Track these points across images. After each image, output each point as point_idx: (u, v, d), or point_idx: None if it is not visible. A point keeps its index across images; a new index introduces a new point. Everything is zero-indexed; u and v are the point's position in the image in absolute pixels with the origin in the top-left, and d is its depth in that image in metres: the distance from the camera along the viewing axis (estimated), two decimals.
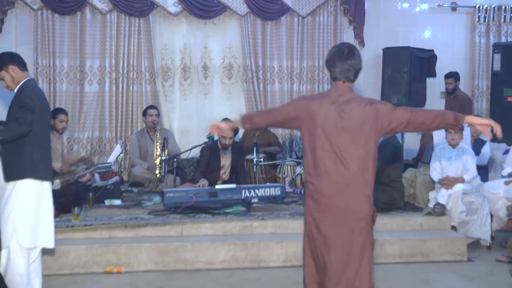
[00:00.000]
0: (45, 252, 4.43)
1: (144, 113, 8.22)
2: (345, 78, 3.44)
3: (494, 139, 4.81)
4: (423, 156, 7.73)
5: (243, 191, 6.37)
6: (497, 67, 8.78)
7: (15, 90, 4.27)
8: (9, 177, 4.15)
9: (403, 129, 3.47)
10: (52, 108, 7.90)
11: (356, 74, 3.46)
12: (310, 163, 3.43)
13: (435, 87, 9.49)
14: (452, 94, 8.82)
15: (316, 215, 3.43)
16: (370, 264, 3.45)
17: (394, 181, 6.52)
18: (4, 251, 4.18)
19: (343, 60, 3.42)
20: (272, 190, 6.43)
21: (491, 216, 6.51)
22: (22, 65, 4.31)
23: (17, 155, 4.12)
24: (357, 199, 3.38)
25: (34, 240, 4.21)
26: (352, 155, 3.35)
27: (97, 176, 6.87)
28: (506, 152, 7.31)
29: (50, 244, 4.33)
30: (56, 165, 6.86)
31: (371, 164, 3.39)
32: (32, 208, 4.17)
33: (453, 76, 8.78)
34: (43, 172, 4.25)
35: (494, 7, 9.60)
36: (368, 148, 3.37)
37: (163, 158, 7.21)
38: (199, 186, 6.75)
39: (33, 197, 4.18)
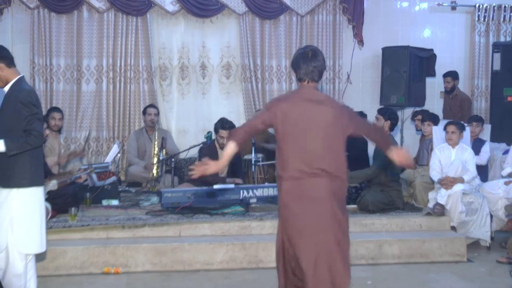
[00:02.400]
0: (38, 254, 4.39)
1: (144, 112, 8.21)
2: (310, 78, 3.73)
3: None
4: (419, 158, 7.71)
5: (241, 191, 6.37)
6: (496, 66, 8.79)
7: (6, 89, 4.16)
8: (5, 184, 4.09)
9: (357, 135, 3.85)
10: (48, 107, 7.96)
11: (320, 75, 3.76)
12: (283, 158, 3.67)
13: (434, 86, 9.48)
14: (451, 93, 8.81)
15: None
16: None
17: (391, 181, 6.52)
18: (2, 255, 4.14)
19: (308, 62, 3.72)
20: (270, 190, 6.42)
21: (491, 216, 6.50)
22: (10, 61, 4.16)
23: (14, 162, 4.05)
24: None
25: (31, 245, 4.18)
26: (324, 149, 3.64)
27: (94, 176, 6.83)
28: (506, 152, 7.30)
29: (42, 248, 4.30)
30: (53, 159, 6.88)
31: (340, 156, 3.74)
32: (28, 213, 4.13)
33: (451, 75, 8.77)
34: (37, 178, 4.21)
35: (494, 6, 9.59)
36: (336, 143, 3.70)
37: (161, 158, 7.18)
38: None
39: (29, 203, 4.14)
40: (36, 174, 4.16)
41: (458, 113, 8.67)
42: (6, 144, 3.96)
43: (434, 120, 7.63)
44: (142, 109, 8.63)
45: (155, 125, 8.05)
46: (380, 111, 6.75)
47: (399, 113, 8.94)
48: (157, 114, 8.25)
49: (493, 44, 9.27)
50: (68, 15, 8.60)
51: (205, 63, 9.12)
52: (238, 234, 5.89)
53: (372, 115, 8.42)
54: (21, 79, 4.19)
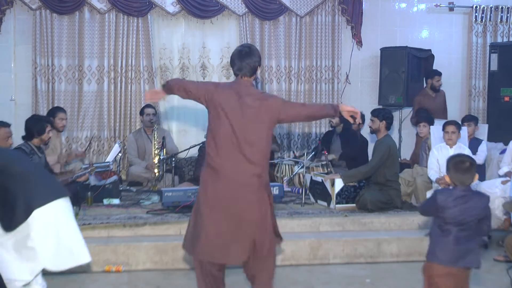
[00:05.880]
0: None
1: (141, 112, 8.25)
2: (243, 74, 4.02)
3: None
4: (419, 160, 7.77)
5: None
6: (494, 67, 8.85)
7: None
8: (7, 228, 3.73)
9: (292, 120, 4.21)
10: (50, 107, 8.01)
11: (252, 71, 4.02)
12: (211, 142, 3.96)
13: None
14: (438, 92, 8.91)
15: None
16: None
17: (390, 180, 6.55)
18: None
19: (242, 59, 4.01)
20: None
21: None
22: None
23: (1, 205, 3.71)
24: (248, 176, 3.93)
25: (60, 261, 4.03)
26: (247, 140, 3.89)
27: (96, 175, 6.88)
28: (503, 151, 7.35)
29: (87, 258, 4.15)
30: (53, 158, 6.90)
31: (264, 148, 3.96)
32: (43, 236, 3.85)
33: (440, 74, 8.86)
34: (37, 199, 3.76)
35: (491, 7, 9.65)
36: (260, 135, 3.93)
37: (161, 157, 7.22)
38: None
39: (40, 226, 3.80)
40: (35, 197, 3.76)
41: (445, 109, 8.79)
42: None
43: (430, 121, 7.70)
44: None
45: (154, 125, 8.09)
46: (373, 113, 6.73)
47: (397, 113, 9.02)
48: (155, 113, 8.29)
49: (490, 44, 9.32)
50: (70, 16, 8.64)
51: (205, 63, 9.17)
52: None
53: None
54: None
